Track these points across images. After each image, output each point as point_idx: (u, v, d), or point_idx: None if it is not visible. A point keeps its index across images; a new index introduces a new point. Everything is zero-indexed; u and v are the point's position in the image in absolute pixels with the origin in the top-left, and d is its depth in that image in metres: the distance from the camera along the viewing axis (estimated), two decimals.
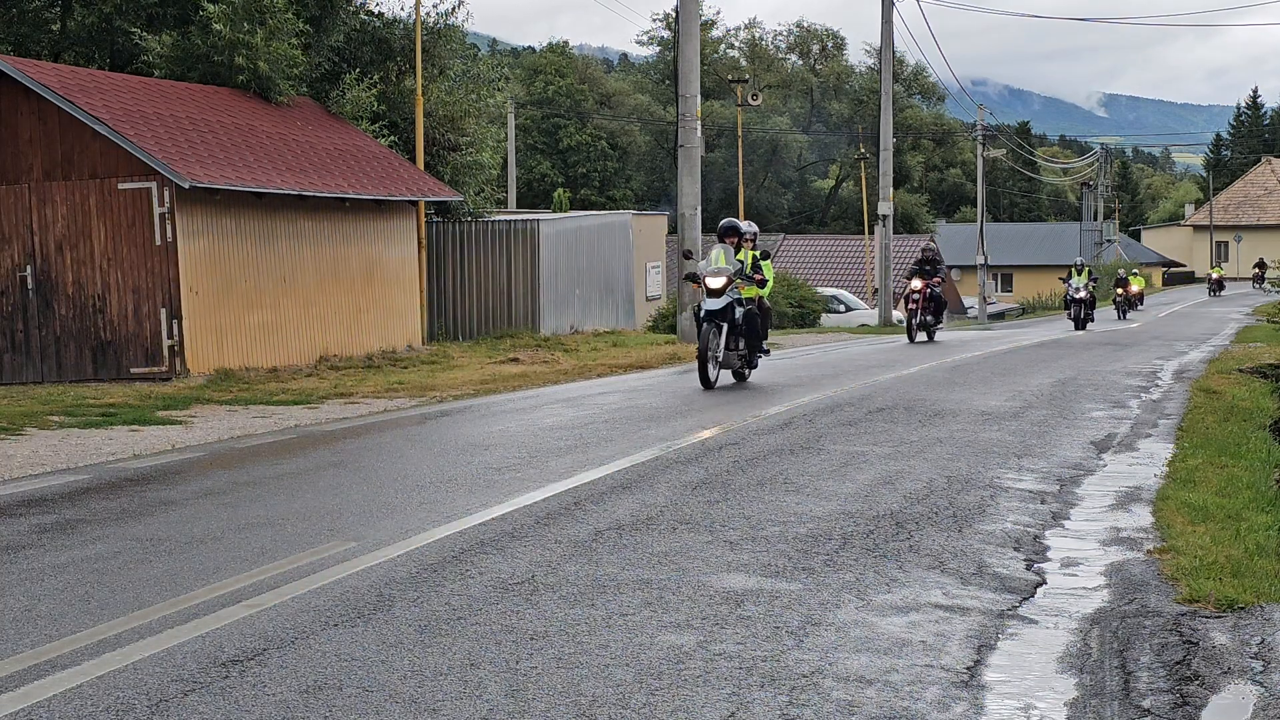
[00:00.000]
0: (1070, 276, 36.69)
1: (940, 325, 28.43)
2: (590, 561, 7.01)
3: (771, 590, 6.46)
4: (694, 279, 16.70)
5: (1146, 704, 5.00)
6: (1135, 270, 58.19)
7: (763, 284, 17.69)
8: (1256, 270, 74.85)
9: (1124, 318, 45.72)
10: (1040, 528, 8.05)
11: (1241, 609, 6.16)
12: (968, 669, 5.34)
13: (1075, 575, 6.95)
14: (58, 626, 5.89)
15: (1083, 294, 35.58)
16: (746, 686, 5.06)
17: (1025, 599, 6.45)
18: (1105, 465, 10.44)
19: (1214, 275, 69.30)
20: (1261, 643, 5.69)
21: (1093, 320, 36.63)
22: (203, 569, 6.95)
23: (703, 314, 16.11)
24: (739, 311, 16.37)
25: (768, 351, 17.65)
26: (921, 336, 27.73)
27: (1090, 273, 37.06)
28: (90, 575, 6.86)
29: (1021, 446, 11.24)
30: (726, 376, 17.04)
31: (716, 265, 16.35)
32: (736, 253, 16.88)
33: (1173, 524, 8.05)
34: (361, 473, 10.24)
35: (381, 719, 4.73)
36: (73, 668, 5.28)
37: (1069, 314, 36.63)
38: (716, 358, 16.22)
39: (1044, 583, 6.78)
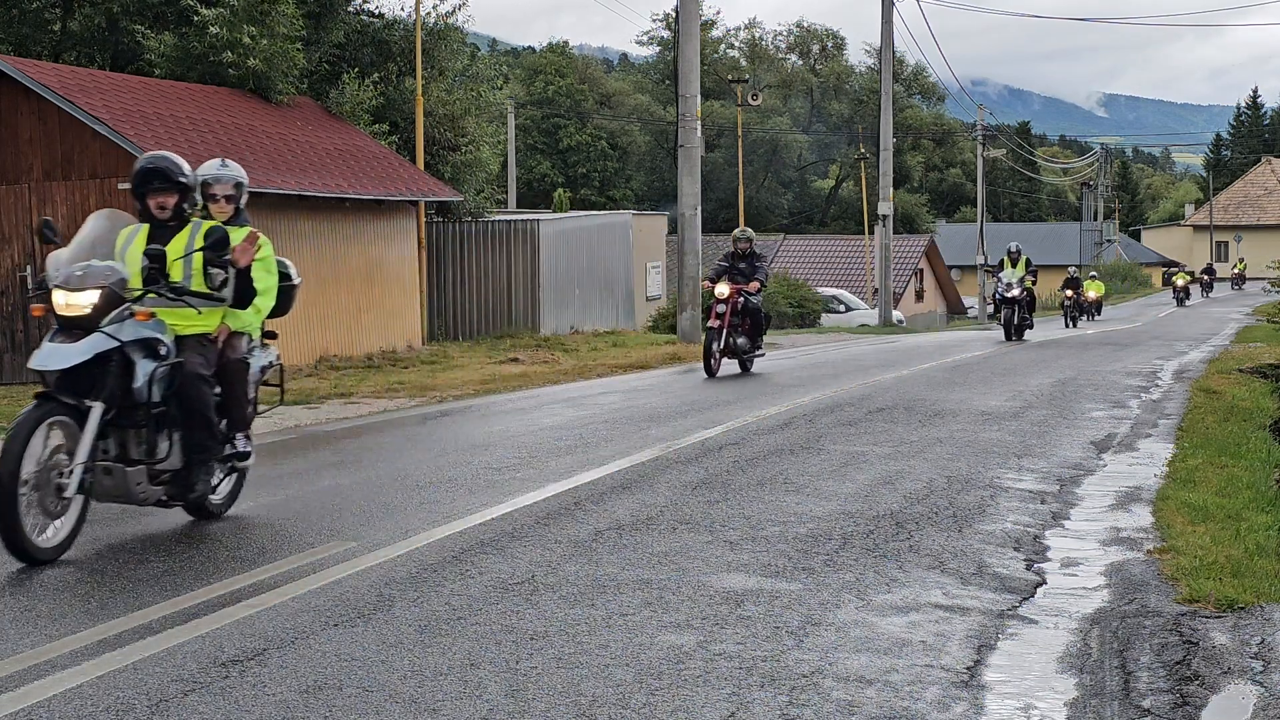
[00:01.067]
0: (1002, 267, 28.17)
1: (759, 351, 19.22)
2: (590, 561, 7.01)
3: (771, 590, 6.46)
4: (39, 299, 7.63)
5: (1146, 704, 5.00)
6: (1094, 274, 50.55)
7: (244, 297, 7.90)
8: (1204, 276, 65.87)
9: (1073, 326, 39.46)
10: (1040, 528, 8.05)
11: (1241, 609, 6.16)
12: (968, 669, 5.34)
13: (1075, 575, 6.95)
14: (58, 626, 5.89)
15: (1016, 291, 27.40)
16: (746, 686, 5.06)
17: (1025, 599, 6.45)
18: (1105, 465, 10.44)
19: (1178, 282, 56.89)
20: (1261, 643, 5.69)
21: (1030, 327, 28.67)
22: (203, 569, 6.95)
23: (52, 377, 7.19)
24: (147, 369, 7.42)
25: (246, 455, 8.22)
26: (729, 367, 18.86)
27: (1029, 263, 28.27)
28: (90, 575, 6.86)
29: (1021, 446, 11.24)
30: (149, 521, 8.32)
31: (91, 265, 7.44)
32: (178, 229, 7.87)
33: (1173, 524, 8.05)
34: (361, 473, 10.24)
35: (381, 719, 4.73)
36: (73, 668, 5.27)
37: (998, 318, 28.45)
38: (51, 482, 7.03)
39: (1044, 583, 6.78)
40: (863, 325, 41.70)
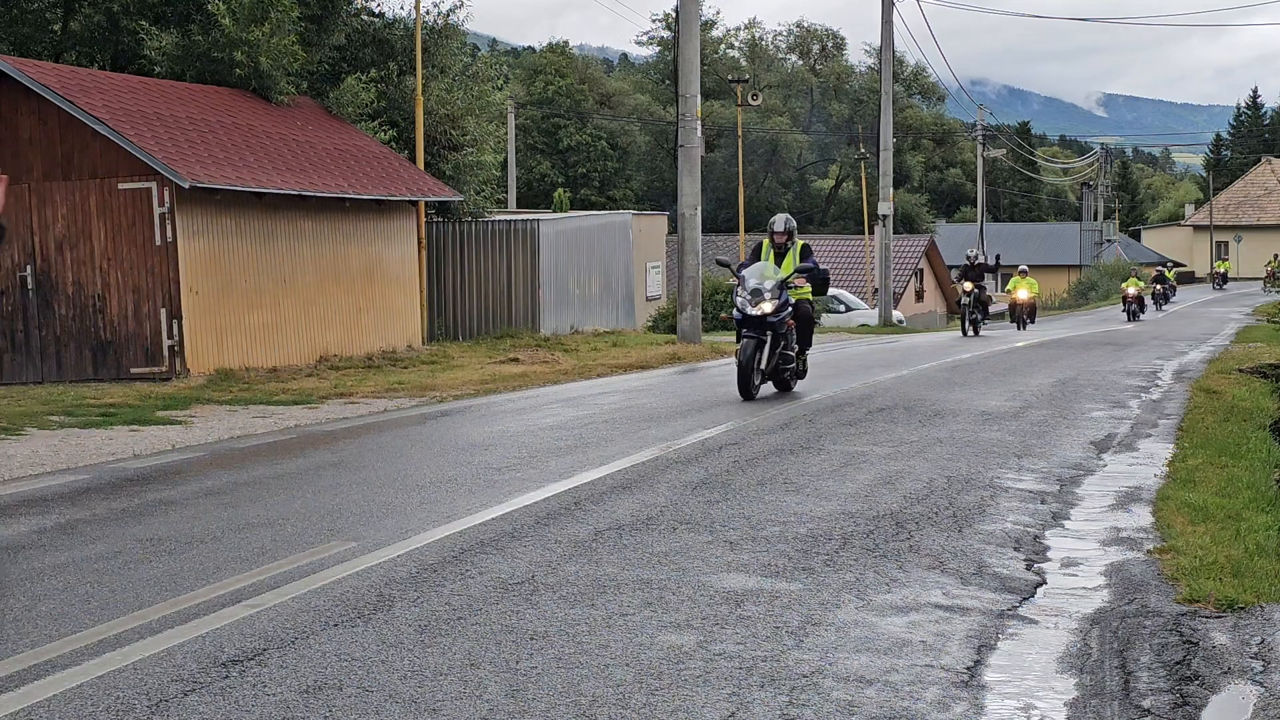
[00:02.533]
0: (756, 258, 15.52)
1: None
2: (590, 561, 7.01)
3: (771, 590, 6.46)
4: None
5: (1146, 704, 5.00)
6: (1024, 268, 39.38)
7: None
8: (1158, 286, 53.07)
9: (973, 332, 30.94)
10: (1040, 528, 8.05)
11: (1241, 609, 6.16)
12: (968, 669, 5.34)
13: (1075, 575, 6.95)
14: (58, 626, 5.89)
15: (767, 305, 14.77)
16: (746, 686, 5.06)
17: (1025, 599, 6.45)
18: (1105, 465, 10.44)
19: (1130, 291, 43.75)
20: (1261, 643, 5.69)
21: (800, 373, 15.80)
22: (203, 569, 6.95)
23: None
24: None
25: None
26: None
27: (806, 253, 15.63)
28: (90, 575, 6.86)
29: (1021, 446, 11.24)
30: None
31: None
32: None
33: (1173, 524, 8.05)
34: (361, 473, 10.24)
35: (381, 719, 4.73)
36: (73, 668, 5.28)
37: (739, 350, 14.67)
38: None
39: (1044, 583, 6.78)
40: (863, 325, 41.67)
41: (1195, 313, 47.76)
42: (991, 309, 39.60)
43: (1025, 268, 39.66)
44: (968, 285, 31.35)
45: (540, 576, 6.70)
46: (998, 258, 33.23)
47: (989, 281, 35.26)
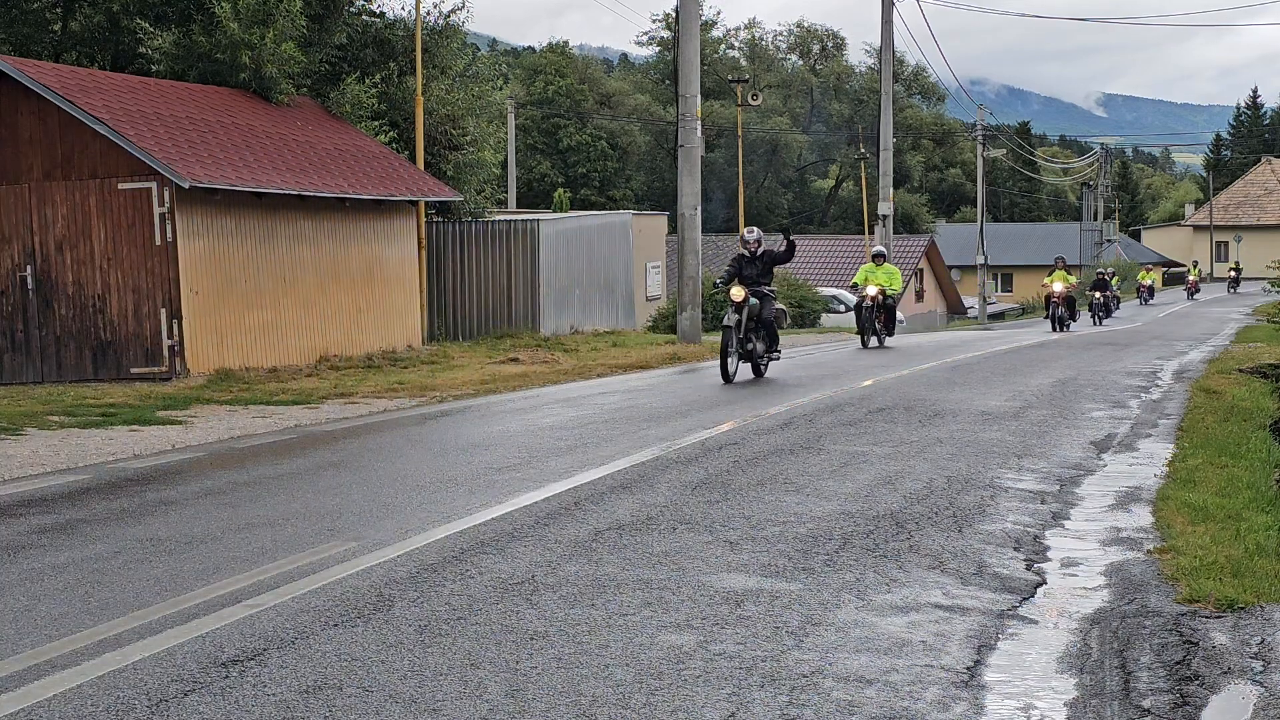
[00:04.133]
0: None
1: None
2: (590, 561, 7.02)
3: (771, 590, 6.46)
4: None
5: (1146, 704, 5.00)
6: (881, 250, 28.21)
7: None
8: (1096, 294, 42.00)
9: (754, 375, 17.54)
10: (1040, 528, 8.05)
11: (1241, 609, 6.16)
12: (968, 669, 5.34)
13: (1075, 575, 6.95)
14: (58, 626, 5.89)
15: None
16: (746, 686, 5.06)
17: (1025, 599, 6.45)
18: (1105, 465, 10.44)
19: (1056, 287, 34.32)
20: (1261, 643, 5.69)
21: None
22: (203, 569, 6.95)
23: None
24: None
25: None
26: None
27: None
28: (90, 575, 6.86)
29: (1021, 446, 11.24)
30: None
31: None
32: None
33: (1173, 524, 8.05)
34: (361, 473, 10.24)
35: (381, 719, 4.73)
36: (73, 668, 5.28)
37: None
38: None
39: (1044, 583, 6.78)
40: None
41: (1195, 313, 47.74)
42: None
43: (880, 250, 28.44)
44: (738, 292, 17.57)
45: (540, 576, 6.70)
46: (790, 240, 18.62)
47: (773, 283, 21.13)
